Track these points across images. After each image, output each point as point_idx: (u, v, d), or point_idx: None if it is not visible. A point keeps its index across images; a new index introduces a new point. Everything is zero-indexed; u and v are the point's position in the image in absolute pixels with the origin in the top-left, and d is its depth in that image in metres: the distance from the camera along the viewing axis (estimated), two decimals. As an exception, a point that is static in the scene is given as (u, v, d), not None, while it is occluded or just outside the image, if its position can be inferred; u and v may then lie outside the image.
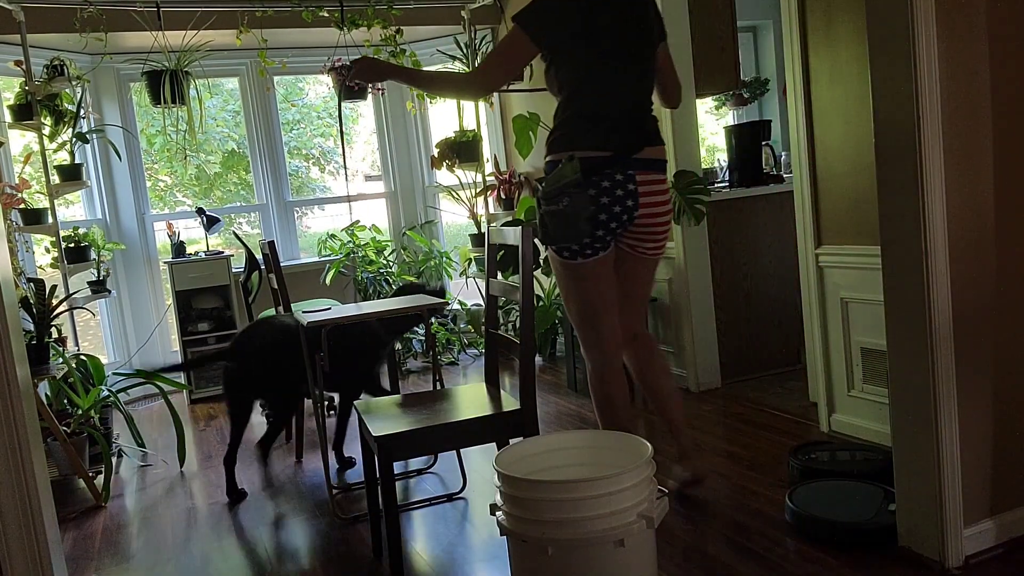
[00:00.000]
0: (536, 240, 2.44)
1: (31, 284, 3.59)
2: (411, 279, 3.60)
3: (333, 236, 5.50)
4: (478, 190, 5.17)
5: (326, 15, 4.66)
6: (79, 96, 4.41)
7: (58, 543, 1.95)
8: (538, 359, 4.96)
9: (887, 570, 2.10)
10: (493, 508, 1.79)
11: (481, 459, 3.28)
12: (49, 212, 4.26)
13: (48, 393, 3.61)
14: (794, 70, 3.12)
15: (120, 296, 5.11)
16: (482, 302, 5.31)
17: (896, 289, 2.11)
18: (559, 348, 4.99)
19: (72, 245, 4.41)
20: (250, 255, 4.31)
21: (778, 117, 5.40)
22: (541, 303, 4.67)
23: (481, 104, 5.28)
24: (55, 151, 4.37)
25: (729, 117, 5.77)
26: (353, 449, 3.45)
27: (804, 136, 3.11)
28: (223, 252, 5.01)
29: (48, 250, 4.47)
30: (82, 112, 4.46)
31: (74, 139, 4.42)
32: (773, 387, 3.86)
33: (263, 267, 4.18)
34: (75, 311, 4.45)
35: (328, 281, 5.20)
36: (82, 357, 3.75)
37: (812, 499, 2.41)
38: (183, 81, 4.52)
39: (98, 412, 3.60)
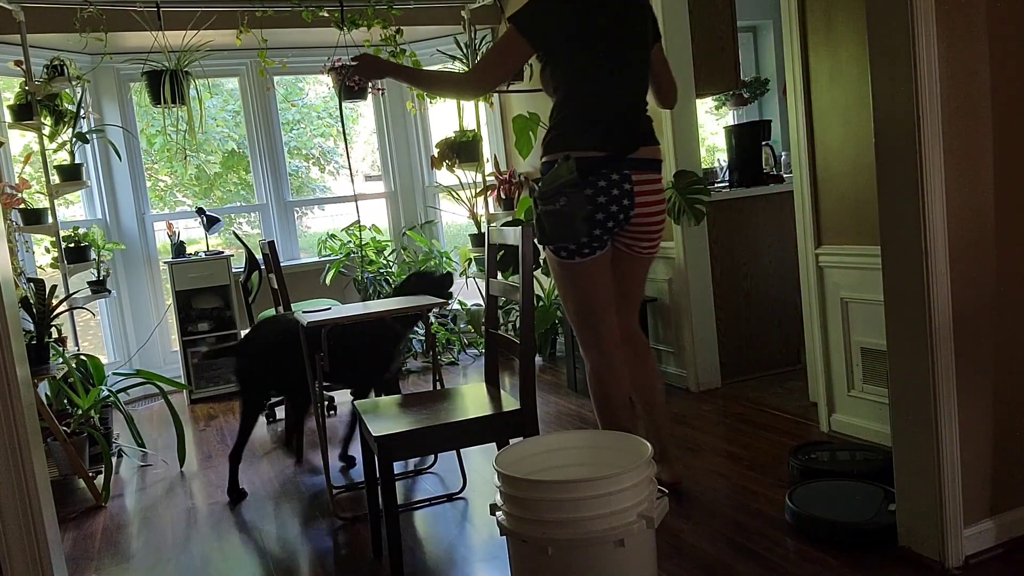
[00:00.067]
0: (534, 240, 2.45)
1: (31, 284, 3.59)
2: (418, 270, 3.61)
3: (333, 236, 5.50)
4: (478, 190, 5.17)
5: (326, 15, 4.66)
6: (79, 96, 4.42)
7: (58, 543, 1.95)
8: (538, 359, 4.96)
9: (887, 570, 2.10)
10: (493, 508, 1.79)
11: (481, 459, 3.28)
12: (49, 212, 4.26)
13: (48, 393, 3.61)
14: (794, 70, 3.12)
15: (120, 296, 5.11)
16: (482, 302, 5.31)
17: (896, 289, 2.11)
18: (559, 348, 4.99)
19: (72, 245, 4.41)
20: (250, 255, 4.31)
21: (778, 117, 5.40)
22: (541, 303, 4.67)
23: (481, 104, 5.28)
24: (55, 151, 4.37)
25: (729, 117, 5.77)
26: (353, 449, 3.45)
27: (804, 136, 3.11)
28: (223, 252, 5.01)
29: (48, 250, 4.47)
30: (82, 112, 4.46)
31: (74, 139, 4.42)
32: (773, 387, 3.86)
33: (263, 267, 4.18)
34: (75, 311, 4.45)
35: (328, 281, 5.20)
36: (82, 357, 3.76)
37: (812, 499, 2.41)
38: (183, 81, 4.52)
39: (98, 412, 3.60)
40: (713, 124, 6.10)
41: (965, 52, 2.02)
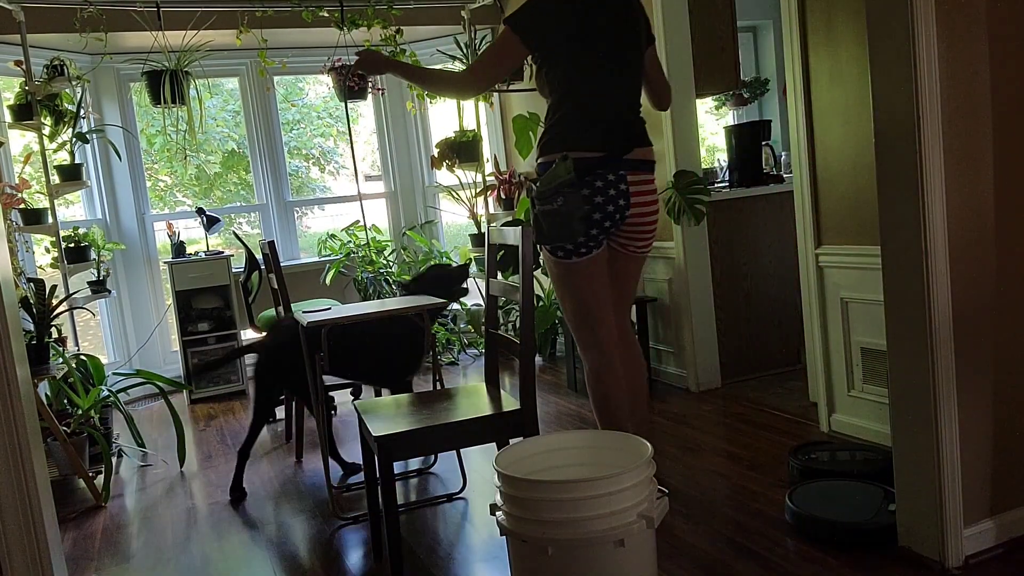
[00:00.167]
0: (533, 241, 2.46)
1: (31, 284, 3.59)
2: (435, 262, 3.61)
3: (333, 236, 5.50)
4: (478, 190, 5.17)
5: (326, 15, 4.66)
6: (79, 96, 4.41)
7: (58, 543, 1.95)
8: (538, 359, 4.96)
9: (887, 570, 2.10)
10: (493, 508, 1.79)
11: (481, 459, 3.28)
12: (49, 212, 4.26)
13: (48, 393, 3.61)
14: (794, 70, 3.12)
15: (120, 296, 5.11)
16: (482, 302, 5.31)
17: (896, 289, 2.11)
18: (559, 348, 4.99)
19: (72, 245, 4.41)
20: (250, 255, 4.31)
21: (778, 117, 5.40)
22: (541, 303, 4.68)
23: (481, 104, 5.28)
24: (55, 151, 4.37)
25: (729, 117, 5.77)
26: (353, 449, 3.45)
27: (804, 136, 3.11)
28: (223, 252, 5.01)
29: (48, 250, 4.47)
30: (82, 112, 4.46)
31: (74, 139, 4.42)
32: (773, 387, 3.86)
33: (263, 267, 4.18)
34: (75, 311, 4.45)
35: (328, 281, 5.20)
36: (82, 357, 3.75)
37: (812, 499, 2.41)
38: (183, 81, 4.52)
39: (98, 412, 3.60)
40: (713, 124, 6.10)
41: (965, 52, 2.02)
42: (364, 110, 5.91)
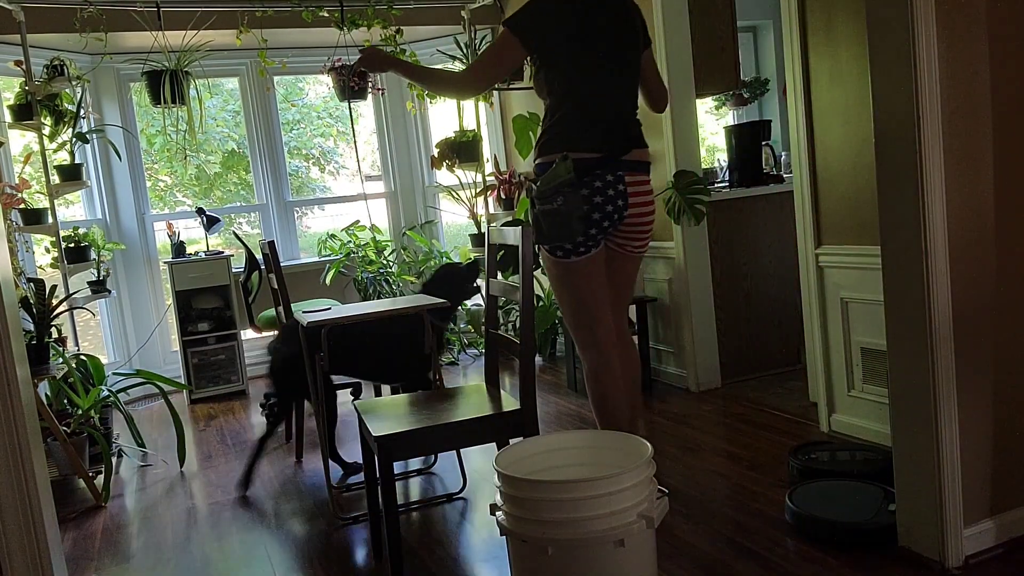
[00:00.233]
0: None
1: (31, 284, 3.59)
2: (444, 263, 3.63)
3: (333, 236, 5.50)
4: (478, 190, 5.17)
5: (326, 15, 4.66)
6: (79, 96, 4.41)
7: (58, 543, 1.95)
8: (538, 359, 4.96)
9: (887, 570, 2.10)
10: (493, 508, 1.79)
11: (481, 459, 3.28)
12: (49, 212, 4.26)
13: (48, 393, 3.61)
14: (794, 70, 3.12)
15: (120, 296, 5.11)
16: (482, 302, 5.31)
17: (896, 289, 2.11)
18: (559, 348, 4.99)
19: (72, 245, 4.41)
20: (250, 255, 4.31)
21: (778, 117, 5.40)
22: (541, 303, 4.68)
23: (481, 104, 5.28)
24: (55, 151, 4.37)
25: (729, 117, 5.77)
26: (353, 449, 3.45)
27: (804, 136, 3.11)
28: (223, 252, 5.01)
29: (48, 250, 4.47)
30: (82, 112, 4.46)
31: (74, 139, 4.42)
32: (773, 387, 3.86)
33: (263, 267, 4.18)
34: (75, 311, 4.45)
35: (328, 281, 5.20)
36: (82, 357, 3.75)
37: (812, 499, 2.41)
38: (183, 81, 4.52)
39: (98, 412, 3.60)
40: (713, 124, 6.10)
41: (965, 52, 2.02)
42: (364, 110, 5.91)
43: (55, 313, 3.47)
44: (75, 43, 4.45)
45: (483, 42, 5.07)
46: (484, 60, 2.48)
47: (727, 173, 4.44)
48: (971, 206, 2.06)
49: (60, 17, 4.30)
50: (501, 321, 5.15)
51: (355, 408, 2.54)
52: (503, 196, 5.10)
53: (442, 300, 3.00)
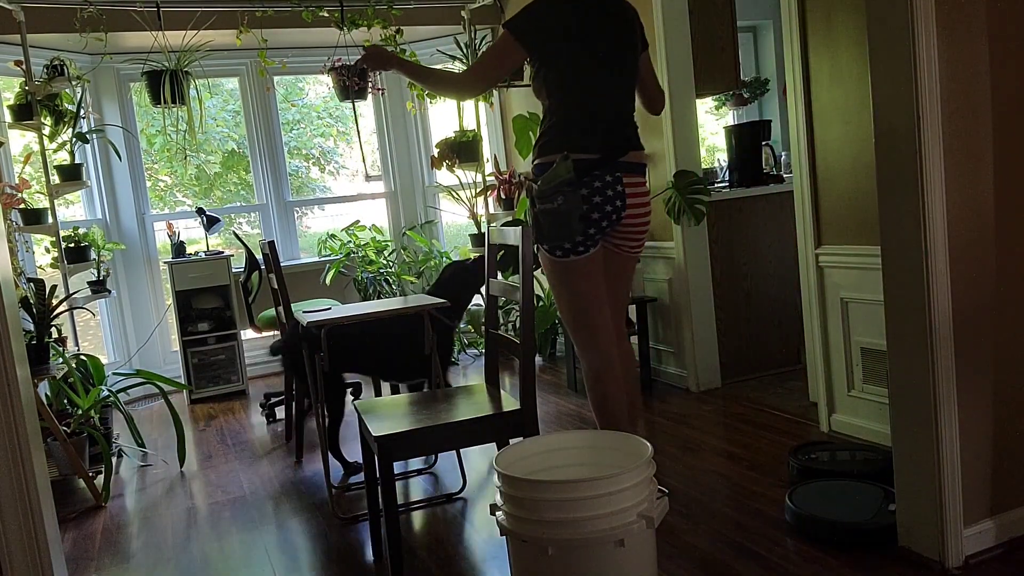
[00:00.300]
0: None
1: (31, 284, 3.59)
2: (449, 262, 3.67)
3: (333, 236, 5.50)
4: (478, 190, 5.17)
5: (326, 15, 4.66)
6: (79, 96, 4.41)
7: (58, 543, 1.95)
8: (538, 359, 4.96)
9: (887, 570, 2.10)
10: (493, 508, 1.79)
11: (481, 459, 3.28)
12: (49, 212, 4.26)
13: (48, 393, 3.61)
14: (794, 70, 3.12)
15: (120, 296, 5.11)
16: (482, 302, 5.31)
17: (896, 289, 2.11)
18: (559, 348, 4.99)
19: (72, 245, 4.41)
20: (250, 255, 4.31)
21: (778, 117, 5.40)
22: (541, 303, 4.67)
23: (481, 104, 5.28)
24: (55, 151, 4.37)
25: (729, 117, 5.77)
26: (353, 449, 3.45)
27: (804, 136, 3.11)
28: (223, 252, 5.01)
29: (48, 250, 4.47)
30: (82, 112, 4.46)
31: (74, 139, 4.42)
32: (773, 387, 3.86)
33: (263, 267, 4.18)
34: (75, 311, 4.45)
35: (328, 281, 5.20)
36: (82, 357, 3.75)
37: (812, 499, 2.41)
38: (183, 81, 4.51)
39: (98, 412, 3.60)
40: (713, 124, 6.10)
41: (965, 52, 2.02)
42: (364, 110, 5.91)
43: (55, 313, 3.47)
44: (75, 43, 4.45)
45: (483, 42, 5.07)
46: (484, 61, 2.51)
47: (727, 173, 4.44)
48: (971, 206, 2.06)
49: (60, 17, 4.30)
50: (501, 321, 5.15)
51: (355, 408, 2.54)
52: (503, 196, 5.10)
53: (443, 301, 3.01)
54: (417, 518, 2.80)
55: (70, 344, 4.29)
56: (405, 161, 5.87)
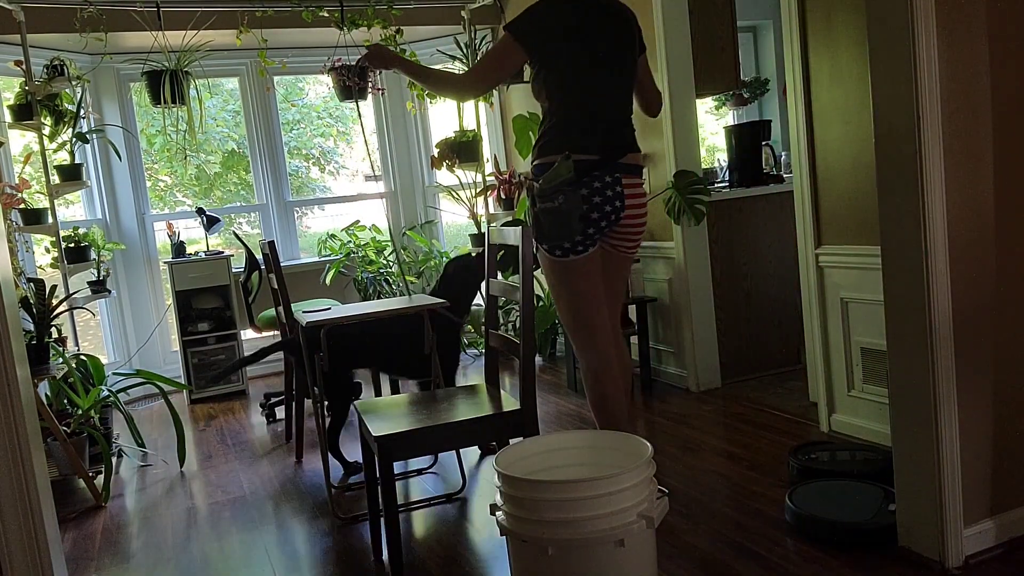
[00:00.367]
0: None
1: (31, 284, 3.59)
2: (450, 258, 3.69)
3: (333, 236, 5.50)
4: (478, 190, 5.17)
5: (326, 15, 4.66)
6: (79, 96, 4.41)
7: (58, 543, 1.95)
8: (538, 359, 4.96)
9: (887, 570, 2.10)
10: (493, 508, 1.79)
11: (482, 459, 3.28)
12: (49, 212, 4.26)
13: (48, 393, 3.61)
14: (794, 70, 3.12)
15: (120, 296, 5.11)
16: (482, 302, 5.31)
17: (896, 289, 2.11)
18: (559, 348, 4.99)
19: (72, 245, 4.41)
20: (250, 255, 4.31)
21: (778, 117, 5.40)
22: (541, 303, 4.67)
23: (481, 104, 5.28)
24: (55, 151, 4.37)
25: (729, 117, 5.77)
26: (354, 449, 3.45)
27: (804, 136, 3.11)
28: (223, 252, 5.01)
29: (48, 250, 4.47)
30: (82, 112, 4.46)
31: (74, 139, 4.42)
32: (773, 387, 3.86)
33: (263, 267, 4.18)
34: (75, 311, 4.45)
35: (328, 281, 5.20)
36: (82, 357, 3.75)
37: (812, 499, 2.41)
38: (183, 81, 4.51)
39: (98, 412, 3.60)
40: (713, 124, 6.10)
41: (965, 52, 2.02)
42: (364, 110, 5.90)
43: (55, 313, 3.47)
44: (75, 43, 4.45)
45: (483, 42, 5.07)
46: (485, 63, 2.53)
47: (727, 173, 4.44)
48: (971, 206, 2.06)
49: (60, 17, 4.30)
50: (501, 321, 5.15)
51: (355, 408, 2.54)
52: (503, 196, 5.10)
53: (443, 301, 3.01)
54: (417, 518, 2.80)
55: (70, 344, 4.29)
56: (405, 161, 5.87)
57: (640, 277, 4.10)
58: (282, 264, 3.72)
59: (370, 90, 5.02)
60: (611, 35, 2.49)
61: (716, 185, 4.36)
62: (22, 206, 4.09)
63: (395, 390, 3.88)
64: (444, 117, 5.77)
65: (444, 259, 5.46)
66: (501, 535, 1.77)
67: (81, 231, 4.61)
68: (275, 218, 5.58)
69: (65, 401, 3.57)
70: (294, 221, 5.69)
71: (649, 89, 2.72)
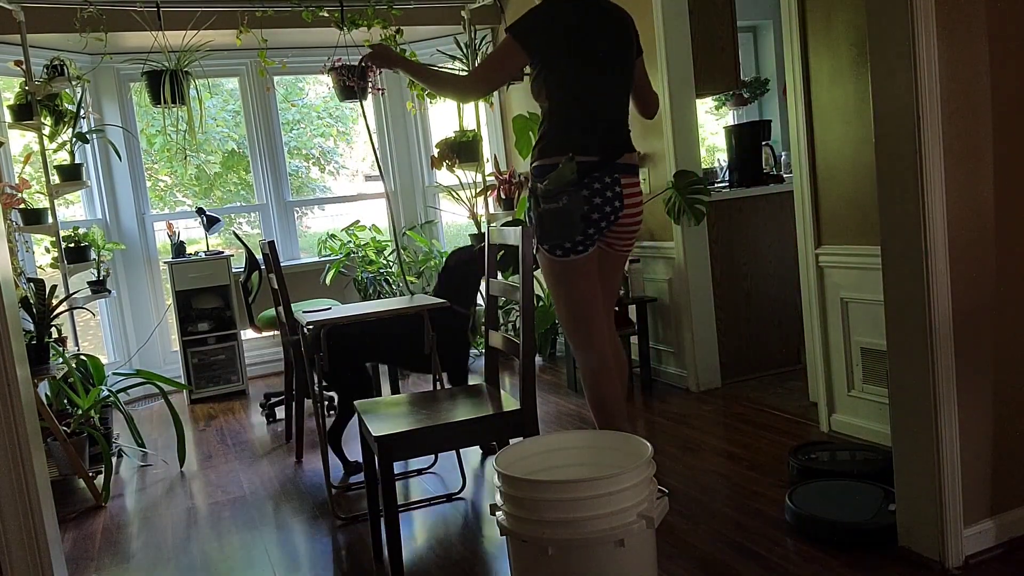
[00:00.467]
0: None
1: (31, 284, 3.59)
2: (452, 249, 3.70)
3: (333, 236, 5.50)
4: (478, 190, 5.17)
5: (326, 15, 4.66)
6: (79, 96, 4.41)
7: (58, 543, 1.95)
8: (538, 359, 4.96)
9: (887, 570, 2.10)
10: (493, 508, 1.79)
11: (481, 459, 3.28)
12: (49, 212, 4.26)
13: (48, 393, 3.61)
14: (794, 70, 3.12)
15: (120, 296, 5.11)
16: (482, 302, 5.31)
17: (896, 289, 2.11)
18: (559, 348, 4.99)
19: (72, 245, 4.41)
20: (250, 255, 4.31)
21: (778, 117, 5.40)
22: (541, 303, 4.67)
23: (481, 104, 5.28)
24: (55, 151, 4.37)
25: (729, 117, 5.77)
26: (354, 448, 3.45)
27: (804, 136, 3.11)
28: (223, 252, 5.01)
29: (48, 250, 4.47)
30: (82, 112, 4.46)
31: (74, 139, 4.42)
32: (773, 387, 3.86)
33: (263, 267, 4.18)
34: (75, 311, 4.45)
35: (328, 281, 5.20)
36: (82, 357, 3.75)
37: (812, 499, 2.41)
38: (183, 81, 4.51)
39: (98, 412, 3.60)
40: (713, 124, 6.10)
41: (965, 52, 2.02)
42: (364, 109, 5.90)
43: (55, 313, 3.47)
44: (75, 43, 4.45)
45: (483, 42, 5.07)
46: (487, 65, 2.55)
47: (727, 173, 4.44)
48: (971, 206, 2.06)
49: (60, 17, 4.30)
50: (501, 321, 5.15)
51: (355, 408, 2.54)
52: (503, 196, 5.10)
53: (443, 301, 3.01)
54: (417, 518, 2.80)
55: (70, 344, 4.29)
56: (405, 161, 5.87)
57: (640, 277, 4.10)
58: (282, 264, 3.72)
59: (370, 90, 5.03)
60: (611, 34, 2.52)
61: (716, 185, 4.36)
62: (22, 206, 4.09)
63: (395, 390, 3.88)
64: (444, 117, 5.77)
65: (444, 259, 5.45)
66: (501, 535, 1.77)
67: (81, 231, 4.61)
68: (275, 218, 5.58)
69: (65, 401, 3.57)
70: (294, 221, 5.69)
71: (647, 91, 2.75)
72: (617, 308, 3.74)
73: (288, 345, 3.66)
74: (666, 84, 3.75)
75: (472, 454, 3.33)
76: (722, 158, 4.89)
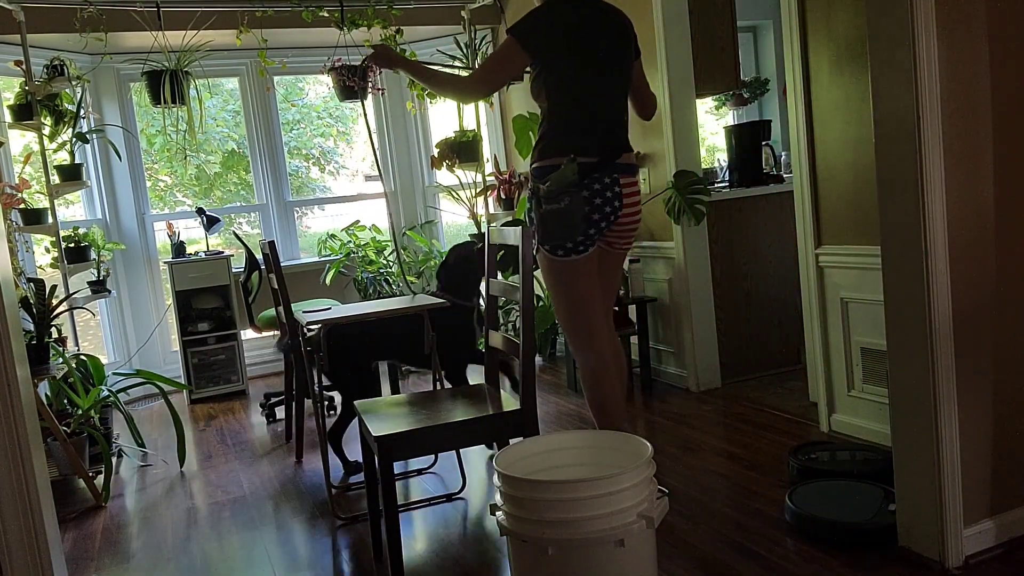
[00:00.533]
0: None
1: (31, 284, 3.58)
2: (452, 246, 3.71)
3: (333, 236, 5.50)
4: (478, 190, 5.17)
5: (326, 15, 4.66)
6: (79, 96, 4.41)
7: (58, 543, 1.95)
8: (538, 359, 4.96)
9: (887, 570, 2.10)
10: (493, 508, 1.79)
11: (481, 459, 3.28)
12: (49, 212, 4.26)
13: (48, 393, 3.61)
14: (794, 70, 3.12)
15: (120, 296, 5.11)
16: (482, 302, 5.30)
17: (896, 289, 2.11)
18: (559, 348, 4.99)
19: (72, 245, 4.41)
20: (250, 255, 4.31)
21: (778, 117, 5.40)
22: (541, 303, 4.67)
23: (481, 104, 5.28)
24: (55, 151, 4.37)
25: (729, 117, 5.77)
26: (354, 448, 3.45)
27: (804, 136, 3.11)
28: (223, 252, 5.01)
29: (48, 250, 4.46)
30: (82, 112, 4.46)
31: (74, 139, 4.42)
32: (773, 387, 3.86)
33: (263, 267, 4.18)
34: (75, 311, 4.45)
35: (328, 281, 5.20)
36: (82, 357, 3.75)
37: (812, 499, 2.41)
38: (183, 81, 4.51)
39: (98, 412, 3.60)
40: (713, 124, 6.10)
41: (965, 52, 2.02)
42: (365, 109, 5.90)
43: (55, 313, 3.47)
44: (75, 43, 4.45)
45: (483, 42, 5.07)
46: (488, 66, 2.56)
47: (727, 173, 4.44)
48: (971, 206, 2.06)
49: (60, 17, 4.30)
50: (501, 321, 5.15)
51: (355, 408, 2.54)
52: (503, 196, 5.10)
53: (443, 301, 3.01)
54: (417, 518, 2.80)
55: (70, 344, 4.29)
56: (405, 161, 5.87)
57: (640, 277, 4.10)
58: (282, 264, 3.71)
59: (370, 90, 5.03)
60: (610, 36, 2.53)
61: (716, 185, 4.36)
62: (22, 206, 4.09)
63: (395, 390, 3.88)
64: (444, 117, 5.77)
65: (442, 258, 5.45)
66: (501, 535, 1.77)
67: (81, 231, 4.61)
68: (275, 218, 5.58)
69: (65, 401, 3.57)
70: (294, 221, 5.69)
71: (645, 93, 2.76)
72: (617, 308, 3.75)
73: (287, 346, 3.66)
74: (666, 84, 3.75)
75: (472, 454, 3.33)
76: (722, 158, 4.89)
